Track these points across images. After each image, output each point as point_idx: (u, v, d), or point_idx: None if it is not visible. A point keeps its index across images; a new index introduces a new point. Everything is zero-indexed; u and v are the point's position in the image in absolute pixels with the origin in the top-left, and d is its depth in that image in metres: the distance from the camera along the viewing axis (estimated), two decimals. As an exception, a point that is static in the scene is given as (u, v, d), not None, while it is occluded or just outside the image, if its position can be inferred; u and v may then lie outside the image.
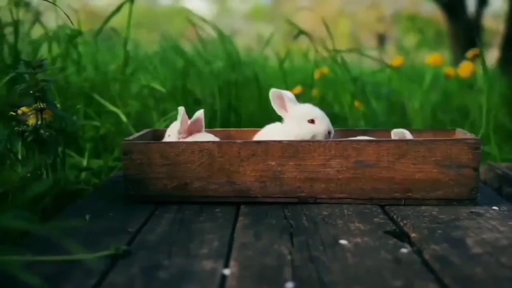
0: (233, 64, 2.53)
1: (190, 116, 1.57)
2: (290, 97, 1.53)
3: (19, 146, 1.47)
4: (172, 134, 1.58)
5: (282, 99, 1.52)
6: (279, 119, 1.56)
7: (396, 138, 1.50)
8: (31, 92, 1.44)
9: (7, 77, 1.67)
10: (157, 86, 2.33)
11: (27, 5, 2.20)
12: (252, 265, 0.98)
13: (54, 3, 1.89)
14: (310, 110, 1.52)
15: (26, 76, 1.46)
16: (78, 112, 2.09)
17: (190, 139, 1.53)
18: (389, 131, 1.66)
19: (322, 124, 1.49)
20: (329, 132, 1.49)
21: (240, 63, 2.60)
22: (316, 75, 2.78)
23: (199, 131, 1.57)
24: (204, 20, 2.50)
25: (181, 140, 1.54)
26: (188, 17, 2.52)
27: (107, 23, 2.30)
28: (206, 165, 1.42)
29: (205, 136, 1.56)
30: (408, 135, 1.49)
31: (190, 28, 2.64)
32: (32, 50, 2.13)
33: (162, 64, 2.62)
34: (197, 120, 1.57)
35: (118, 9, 2.26)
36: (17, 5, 2.10)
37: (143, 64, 2.54)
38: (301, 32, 2.55)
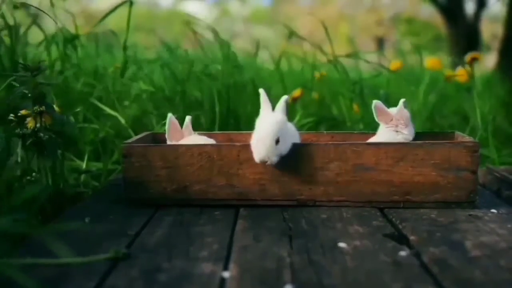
0: (232, 67, 2.53)
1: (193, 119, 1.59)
2: (265, 99, 1.45)
3: (18, 149, 1.47)
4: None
5: (264, 103, 1.47)
6: None
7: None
8: (30, 95, 1.44)
9: (7, 81, 1.67)
10: (155, 89, 2.34)
11: (26, 7, 2.19)
12: (251, 268, 0.99)
13: (54, 5, 1.89)
14: (257, 129, 1.41)
15: (25, 79, 1.46)
16: (78, 115, 2.09)
17: (183, 142, 1.55)
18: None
19: (254, 152, 1.38)
20: (262, 161, 1.36)
21: (239, 67, 2.61)
22: (315, 78, 2.79)
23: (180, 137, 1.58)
24: (206, 24, 2.51)
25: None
26: (187, 20, 2.53)
27: (103, 22, 2.31)
28: (206, 168, 1.42)
29: (196, 138, 1.57)
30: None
31: (189, 32, 2.65)
32: (30, 53, 2.13)
33: (161, 67, 2.62)
34: (187, 125, 1.58)
35: (115, 9, 2.27)
36: (15, 7, 2.10)
37: (142, 68, 2.54)
38: (293, 34, 2.55)
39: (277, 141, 1.36)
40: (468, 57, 2.61)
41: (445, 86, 3.19)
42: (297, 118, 2.49)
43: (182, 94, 2.42)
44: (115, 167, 1.96)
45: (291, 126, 1.50)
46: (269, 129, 1.37)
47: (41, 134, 1.45)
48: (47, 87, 1.51)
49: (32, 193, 1.15)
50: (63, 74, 2.14)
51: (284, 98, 1.46)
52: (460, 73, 2.67)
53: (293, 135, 1.47)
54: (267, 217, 1.33)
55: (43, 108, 1.44)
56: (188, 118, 1.59)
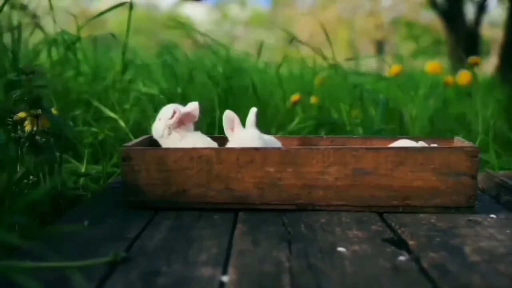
0: (231, 71, 2.53)
1: None
2: (235, 122, 1.56)
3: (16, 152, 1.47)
4: (163, 119, 1.59)
5: (232, 121, 1.55)
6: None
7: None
8: (26, 98, 1.44)
9: (3, 83, 1.67)
10: (155, 92, 2.34)
11: (24, 8, 2.19)
12: (250, 272, 0.98)
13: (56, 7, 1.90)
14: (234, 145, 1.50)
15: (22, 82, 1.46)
16: (77, 118, 2.09)
17: (183, 141, 1.55)
18: (387, 138, 1.67)
19: None
20: None
21: (239, 70, 2.61)
22: (315, 82, 2.79)
23: (190, 121, 1.59)
24: (201, 33, 2.51)
25: (170, 129, 1.56)
26: (185, 26, 2.53)
27: (103, 26, 2.32)
28: (204, 171, 1.42)
29: (197, 136, 1.58)
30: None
31: (188, 35, 2.65)
32: (31, 55, 2.13)
33: (162, 67, 2.63)
34: (190, 111, 1.58)
35: (112, 8, 2.27)
36: (14, 7, 2.10)
37: (142, 71, 2.54)
38: (294, 38, 2.56)
39: None
40: (469, 61, 2.62)
41: (445, 90, 3.19)
42: (296, 121, 2.49)
43: (181, 97, 2.42)
44: (114, 170, 1.96)
45: (268, 137, 1.58)
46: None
47: (38, 137, 1.44)
48: (45, 90, 1.50)
49: (35, 197, 1.14)
50: (62, 76, 2.15)
51: (253, 110, 1.54)
52: (463, 76, 2.66)
53: (273, 144, 1.54)
54: (266, 221, 1.32)
55: (39, 111, 1.44)
56: (195, 104, 1.59)
